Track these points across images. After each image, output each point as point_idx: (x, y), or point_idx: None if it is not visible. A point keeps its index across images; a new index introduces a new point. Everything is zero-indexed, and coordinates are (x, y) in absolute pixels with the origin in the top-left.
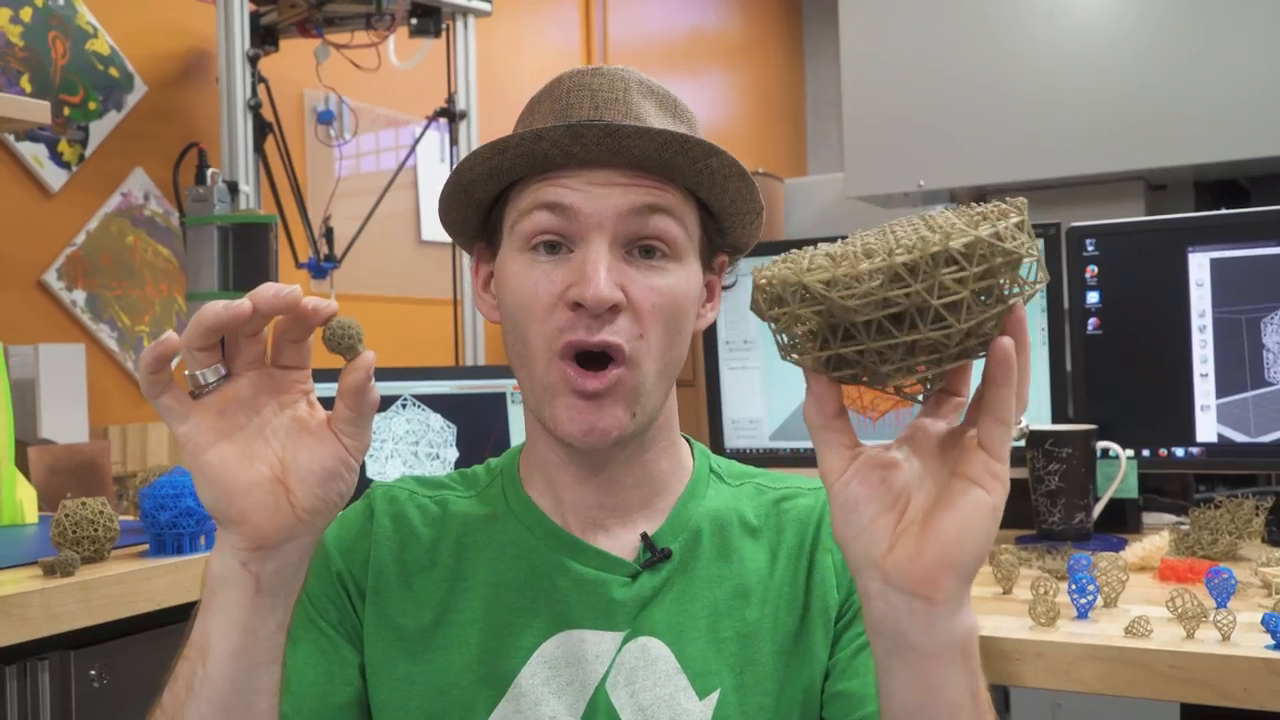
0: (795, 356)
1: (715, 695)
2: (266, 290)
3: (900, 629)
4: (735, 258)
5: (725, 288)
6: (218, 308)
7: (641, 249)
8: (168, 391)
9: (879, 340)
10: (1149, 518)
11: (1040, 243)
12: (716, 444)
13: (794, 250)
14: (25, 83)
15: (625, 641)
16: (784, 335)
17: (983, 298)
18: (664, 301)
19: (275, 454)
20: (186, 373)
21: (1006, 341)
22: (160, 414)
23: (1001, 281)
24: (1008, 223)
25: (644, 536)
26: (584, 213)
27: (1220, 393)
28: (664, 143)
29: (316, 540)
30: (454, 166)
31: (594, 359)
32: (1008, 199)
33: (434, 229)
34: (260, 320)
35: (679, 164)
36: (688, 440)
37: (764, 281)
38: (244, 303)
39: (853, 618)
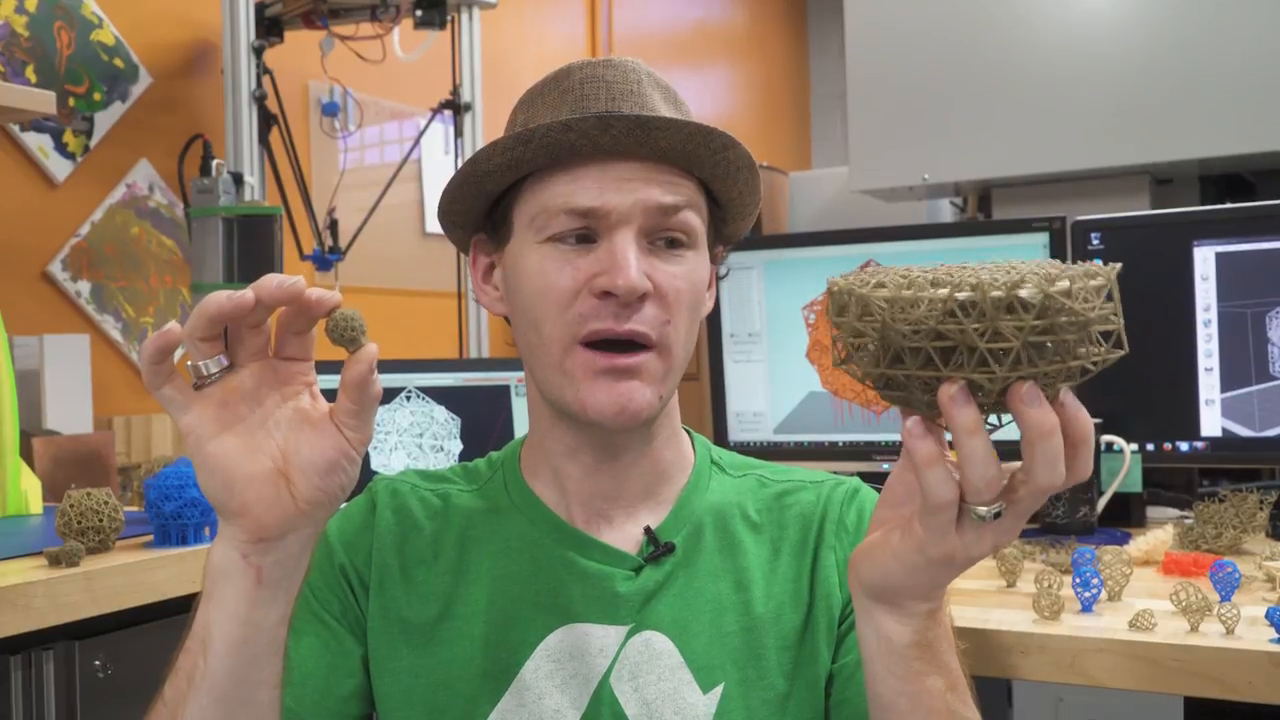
0: (848, 366)
1: (719, 689)
2: (270, 281)
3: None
4: (727, 247)
5: (720, 278)
6: (221, 298)
7: (666, 240)
8: (170, 382)
9: (926, 370)
10: (1153, 512)
11: (1120, 315)
12: (720, 437)
13: (879, 265)
14: (30, 73)
15: (630, 635)
16: (841, 344)
17: (1041, 352)
18: (687, 288)
19: (277, 445)
20: (189, 363)
21: (1041, 421)
22: (162, 405)
23: (1069, 340)
24: (1086, 284)
25: (647, 530)
26: (612, 210)
27: (1225, 387)
28: (690, 134)
29: (318, 532)
30: (464, 159)
31: (620, 345)
32: (1096, 263)
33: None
34: (263, 311)
35: (700, 155)
36: (688, 432)
37: (836, 289)
38: (247, 293)
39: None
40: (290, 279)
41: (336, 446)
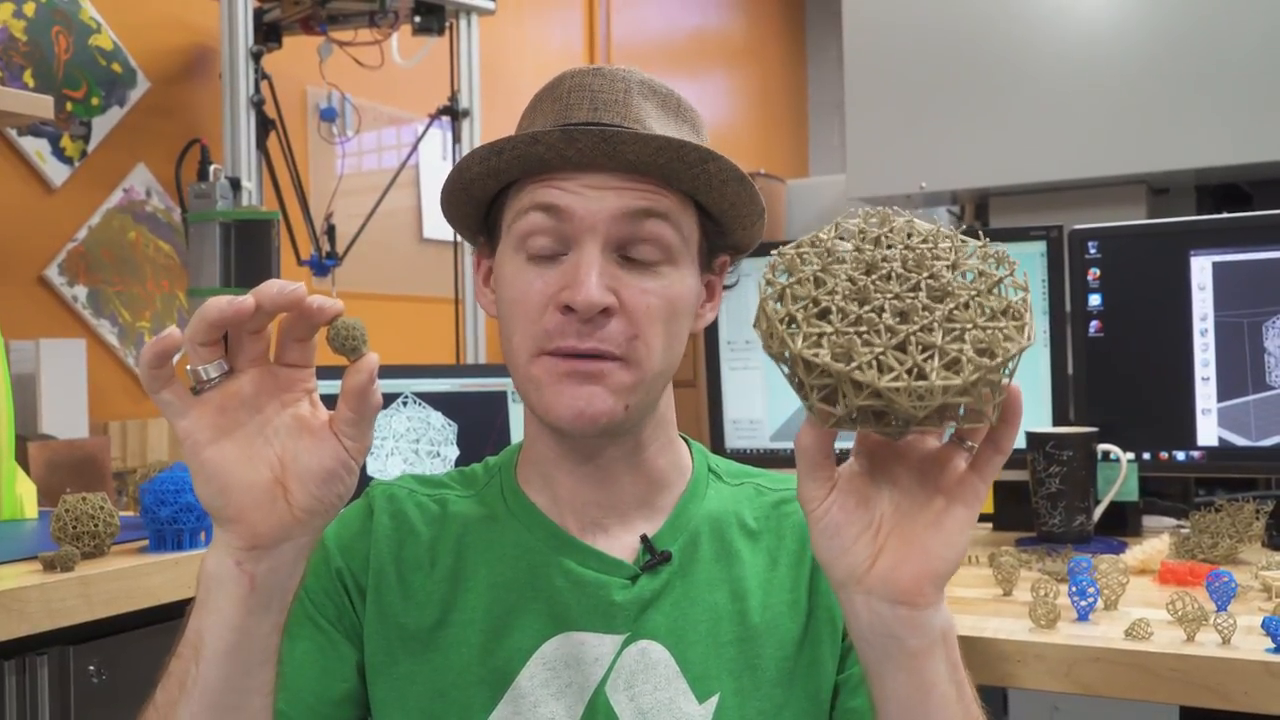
0: (824, 410)
1: (715, 699)
2: (271, 287)
3: (889, 634)
4: (737, 257)
5: (727, 287)
6: (221, 303)
7: (638, 253)
8: (168, 386)
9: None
10: (1149, 521)
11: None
12: (717, 444)
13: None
14: (28, 77)
15: (625, 644)
16: (811, 394)
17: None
18: (658, 304)
19: (275, 453)
20: (189, 368)
21: (1017, 389)
22: (160, 409)
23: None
24: (1017, 280)
25: (643, 539)
26: (577, 215)
27: (1221, 396)
28: (659, 148)
29: (314, 541)
30: (455, 165)
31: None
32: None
33: (436, 227)
34: (264, 317)
35: (675, 169)
36: (685, 440)
37: (816, 361)
38: (248, 299)
39: None
40: (291, 285)
41: (335, 455)
